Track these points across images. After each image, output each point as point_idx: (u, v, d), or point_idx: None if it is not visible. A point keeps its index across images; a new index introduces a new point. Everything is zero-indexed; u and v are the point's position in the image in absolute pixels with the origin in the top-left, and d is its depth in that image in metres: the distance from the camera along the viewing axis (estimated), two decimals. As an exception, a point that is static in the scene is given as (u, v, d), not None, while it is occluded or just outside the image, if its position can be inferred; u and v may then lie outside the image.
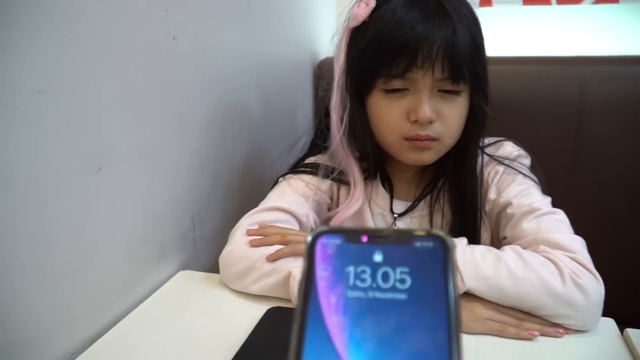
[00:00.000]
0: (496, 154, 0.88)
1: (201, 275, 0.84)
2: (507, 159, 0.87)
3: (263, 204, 0.85)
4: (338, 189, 0.92)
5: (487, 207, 0.86)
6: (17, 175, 0.54)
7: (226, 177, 1.01)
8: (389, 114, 0.79)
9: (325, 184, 0.90)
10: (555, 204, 0.80)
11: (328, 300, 0.28)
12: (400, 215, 0.90)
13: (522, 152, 0.89)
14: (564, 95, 1.24)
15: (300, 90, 1.41)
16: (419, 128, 0.78)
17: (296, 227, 0.84)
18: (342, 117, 0.84)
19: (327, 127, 0.88)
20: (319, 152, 0.93)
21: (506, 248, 0.71)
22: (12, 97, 0.53)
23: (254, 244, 0.76)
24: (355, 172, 0.87)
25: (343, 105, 0.84)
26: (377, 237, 0.29)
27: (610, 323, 0.70)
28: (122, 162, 0.70)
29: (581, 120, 1.23)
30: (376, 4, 0.78)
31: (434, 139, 0.79)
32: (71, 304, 0.63)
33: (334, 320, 0.27)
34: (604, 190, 1.24)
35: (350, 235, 0.30)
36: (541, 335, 0.66)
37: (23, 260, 0.56)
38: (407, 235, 0.29)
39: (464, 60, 0.75)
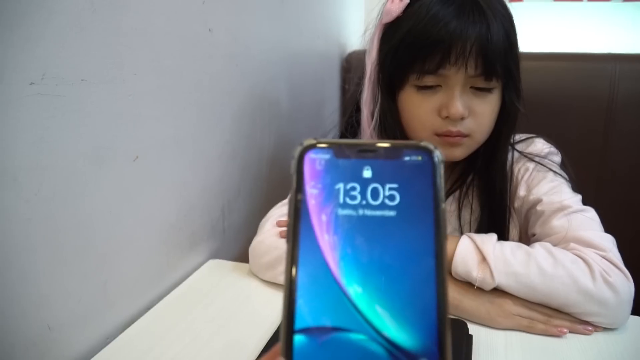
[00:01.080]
0: (526, 151, 0.88)
1: (230, 264, 0.85)
2: (537, 156, 0.87)
3: None
4: None
5: (517, 204, 0.86)
6: (59, 162, 0.56)
7: (255, 168, 1.02)
8: (421, 110, 0.79)
9: None
10: (584, 201, 0.80)
11: (319, 219, 0.28)
12: None
13: (553, 149, 0.89)
14: (593, 92, 1.23)
15: (328, 82, 1.42)
16: (450, 124, 0.78)
17: None
18: (373, 112, 0.85)
19: (358, 122, 0.88)
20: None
21: (536, 245, 0.71)
22: (56, 85, 0.54)
23: (284, 235, 0.77)
24: None
25: (374, 100, 0.84)
26: (366, 151, 0.29)
27: (638, 321, 0.70)
28: (158, 151, 0.71)
29: (610, 117, 1.22)
30: (410, 0, 0.78)
31: (465, 135, 0.79)
32: (107, 288, 0.65)
33: (326, 239, 0.27)
34: (633, 187, 1.23)
35: (339, 149, 0.29)
36: (570, 332, 0.67)
37: (62, 244, 0.58)
38: (396, 149, 0.29)
39: (497, 57, 0.75)
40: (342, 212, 0.28)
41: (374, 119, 0.85)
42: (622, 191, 1.21)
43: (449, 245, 0.72)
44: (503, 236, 0.86)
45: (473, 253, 0.69)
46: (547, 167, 0.85)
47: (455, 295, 0.70)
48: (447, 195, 0.90)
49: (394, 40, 0.79)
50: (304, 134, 1.25)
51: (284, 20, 1.09)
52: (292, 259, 0.27)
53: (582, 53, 1.28)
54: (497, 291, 0.69)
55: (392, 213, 0.28)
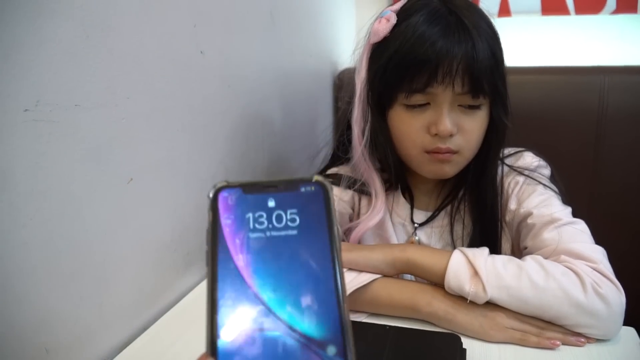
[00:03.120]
0: (516, 165, 0.89)
1: (226, 283, 0.85)
2: (527, 169, 0.88)
3: None
4: (359, 200, 0.93)
5: (508, 218, 0.87)
6: (54, 186, 0.56)
7: (249, 187, 1.02)
8: (410, 128, 0.81)
9: (347, 195, 0.92)
10: (575, 214, 0.81)
11: (234, 242, 0.33)
12: (421, 225, 0.91)
13: (542, 162, 0.90)
14: (583, 105, 1.24)
15: (321, 100, 1.43)
16: (439, 141, 0.79)
17: None
18: (364, 130, 0.86)
19: (349, 140, 0.89)
20: (341, 164, 0.94)
21: (527, 258, 0.72)
22: (50, 111, 0.55)
23: None
24: (376, 184, 0.88)
25: (364, 119, 0.85)
26: (269, 187, 0.35)
27: (630, 332, 0.70)
28: (152, 173, 0.72)
29: (601, 130, 1.23)
30: (397, 20, 0.80)
31: (454, 152, 0.80)
32: (103, 310, 0.65)
33: (241, 257, 0.32)
34: (624, 200, 1.24)
35: (246, 187, 0.35)
36: (563, 344, 0.67)
37: (58, 267, 0.58)
38: (293, 183, 0.35)
39: (483, 75, 0.76)
40: (253, 235, 0.33)
41: (365, 137, 0.86)
42: (612, 203, 1.22)
43: (441, 259, 0.73)
44: (496, 250, 0.87)
45: (465, 267, 0.70)
46: (536, 180, 0.86)
47: (448, 309, 0.71)
48: (439, 210, 0.91)
49: (382, 60, 0.81)
50: (298, 152, 1.26)
51: (276, 40, 1.10)
52: (213, 276, 0.32)
53: (571, 66, 1.30)
54: (490, 305, 0.69)
55: (294, 232, 0.34)
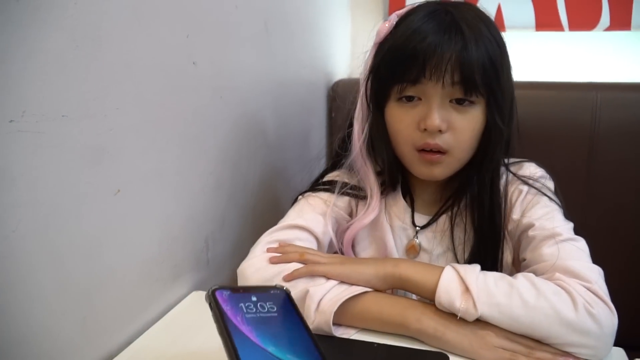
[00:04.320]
0: (518, 174, 0.89)
1: (214, 295, 0.85)
2: (530, 178, 0.87)
3: (283, 222, 0.87)
4: (356, 205, 0.93)
5: (510, 227, 0.86)
6: (38, 197, 0.56)
7: (240, 198, 1.02)
8: (402, 124, 0.82)
9: (343, 201, 0.92)
10: (574, 230, 0.81)
11: (236, 319, 0.50)
12: (422, 228, 0.91)
13: (545, 174, 0.90)
14: (576, 121, 1.24)
15: (315, 111, 1.43)
16: (428, 137, 0.80)
17: (314, 244, 0.86)
18: (364, 128, 0.88)
19: (349, 136, 0.91)
20: (340, 168, 0.95)
21: (519, 275, 0.71)
22: (36, 122, 0.54)
23: (274, 261, 0.77)
24: (371, 181, 0.89)
25: (365, 116, 0.88)
26: (247, 290, 0.55)
27: (619, 352, 0.70)
28: (140, 184, 0.72)
29: (593, 146, 1.23)
30: (397, 20, 0.84)
31: (444, 152, 0.81)
32: (86, 324, 0.64)
33: (245, 328, 0.49)
34: (616, 216, 1.24)
35: (233, 289, 0.53)
36: None
37: (41, 281, 0.57)
38: (265, 288, 0.57)
39: (474, 73, 0.77)
40: (248, 315, 0.51)
41: (364, 134, 0.88)
42: (605, 218, 1.22)
43: (432, 275, 0.72)
44: (496, 259, 0.86)
45: (456, 283, 0.70)
46: (541, 192, 0.85)
47: (438, 327, 0.70)
48: (440, 213, 0.91)
49: (377, 59, 0.85)
50: (292, 162, 1.26)
51: (270, 51, 1.10)
52: (232, 344, 0.48)
53: (564, 82, 1.30)
54: (480, 323, 0.69)
55: (275, 314, 0.53)
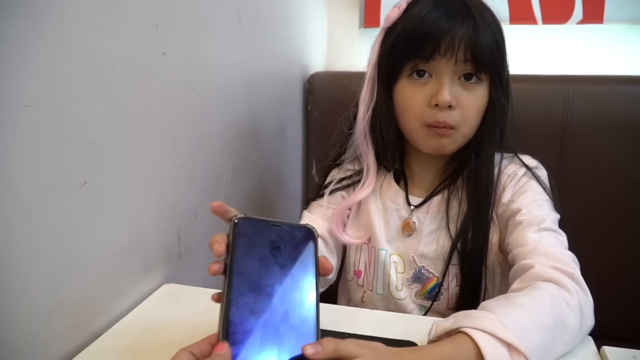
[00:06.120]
0: (512, 164, 0.92)
1: (185, 288, 0.84)
2: (527, 166, 0.91)
3: None
4: (348, 195, 0.99)
5: (500, 210, 0.89)
6: (2, 189, 0.55)
7: (214, 191, 1.01)
8: (413, 101, 0.86)
9: (336, 197, 0.99)
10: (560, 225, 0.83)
11: (247, 256, 0.52)
12: (417, 206, 0.95)
13: (540, 165, 0.94)
14: (548, 113, 1.26)
15: (290, 104, 1.42)
16: (438, 113, 0.84)
17: (323, 246, 0.95)
18: (369, 108, 0.92)
19: (354, 116, 0.95)
20: (338, 165, 1.03)
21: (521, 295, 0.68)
22: (-1, 112, 0.53)
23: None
24: (370, 159, 0.94)
25: (371, 97, 0.92)
26: (273, 224, 0.54)
27: (588, 341, 0.71)
28: (109, 176, 0.71)
29: (565, 139, 1.25)
30: (407, 7, 0.87)
31: (452, 127, 0.85)
32: (53, 317, 0.63)
33: (250, 266, 0.52)
34: (588, 208, 1.26)
35: (258, 221, 0.54)
36: None
37: (6, 273, 0.56)
38: (292, 225, 0.56)
39: (484, 52, 0.82)
40: (260, 252, 0.53)
41: (369, 114, 0.92)
42: (576, 211, 1.23)
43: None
44: (487, 237, 0.89)
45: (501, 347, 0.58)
46: (535, 177, 0.89)
47: None
48: (434, 194, 0.95)
49: (391, 38, 0.88)
50: (266, 156, 1.25)
51: (243, 42, 1.09)
52: (229, 280, 0.50)
53: (537, 75, 1.31)
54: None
55: (290, 254, 0.54)
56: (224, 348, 0.47)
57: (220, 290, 0.51)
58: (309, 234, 0.56)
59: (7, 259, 0.56)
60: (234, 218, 0.53)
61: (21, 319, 0.59)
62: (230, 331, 0.47)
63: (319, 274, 0.56)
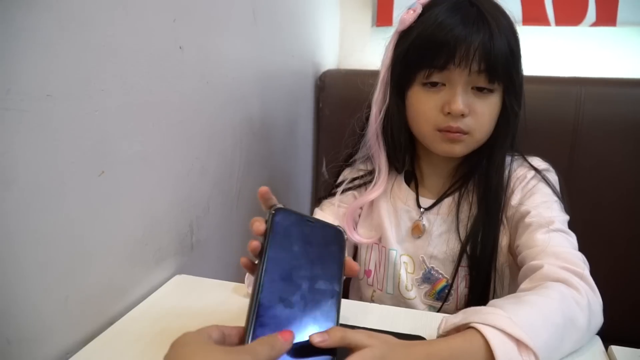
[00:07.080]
0: (521, 166, 0.92)
1: (197, 279, 0.86)
2: (536, 168, 0.91)
3: None
4: (360, 194, 1.00)
5: (509, 213, 0.89)
6: (21, 176, 0.56)
7: (226, 185, 1.02)
8: (426, 106, 0.86)
9: (348, 196, 0.99)
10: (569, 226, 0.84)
11: (281, 244, 0.54)
12: (427, 209, 0.95)
13: (550, 167, 0.94)
14: (559, 115, 1.26)
15: (302, 101, 1.43)
16: (451, 120, 0.84)
17: None
18: (381, 109, 0.92)
19: (367, 117, 0.96)
20: (350, 165, 1.03)
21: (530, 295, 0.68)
22: (21, 101, 0.54)
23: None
24: (382, 160, 0.94)
25: (384, 99, 0.92)
26: (308, 220, 0.57)
27: (596, 340, 0.71)
28: (124, 167, 0.72)
29: (576, 140, 1.25)
30: (422, 11, 0.87)
31: (465, 133, 0.85)
32: (69, 303, 0.65)
33: (284, 254, 0.54)
34: (597, 210, 1.26)
35: (297, 215, 0.56)
36: None
37: (24, 259, 0.58)
38: (325, 224, 0.60)
39: (499, 61, 0.81)
40: (294, 241, 0.56)
41: (381, 116, 0.92)
42: (586, 212, 1.24)
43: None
44: (496, 239, 0.89)
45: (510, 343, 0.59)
46: (544, 180, 0.89)
47: None
48: (445, 197, 0.95)
49: (405, 44, 0.88)
50: (277, 151, 1.26)
51: (257, 39, 1.10)
52: (264, 266, 0.52)
53: (549, 76, 1.31)
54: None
55: (321, 249, 0.57)
56: (291, 336, 0.49)
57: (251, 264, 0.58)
58: (339, 235, 0.59)
59: (24, 244, 0.57)
60: (275, 206, 0.55)
61: (37, 304, 0.60)
62: (259, 313, 0.50)
63: (345, 274, 0.59)
